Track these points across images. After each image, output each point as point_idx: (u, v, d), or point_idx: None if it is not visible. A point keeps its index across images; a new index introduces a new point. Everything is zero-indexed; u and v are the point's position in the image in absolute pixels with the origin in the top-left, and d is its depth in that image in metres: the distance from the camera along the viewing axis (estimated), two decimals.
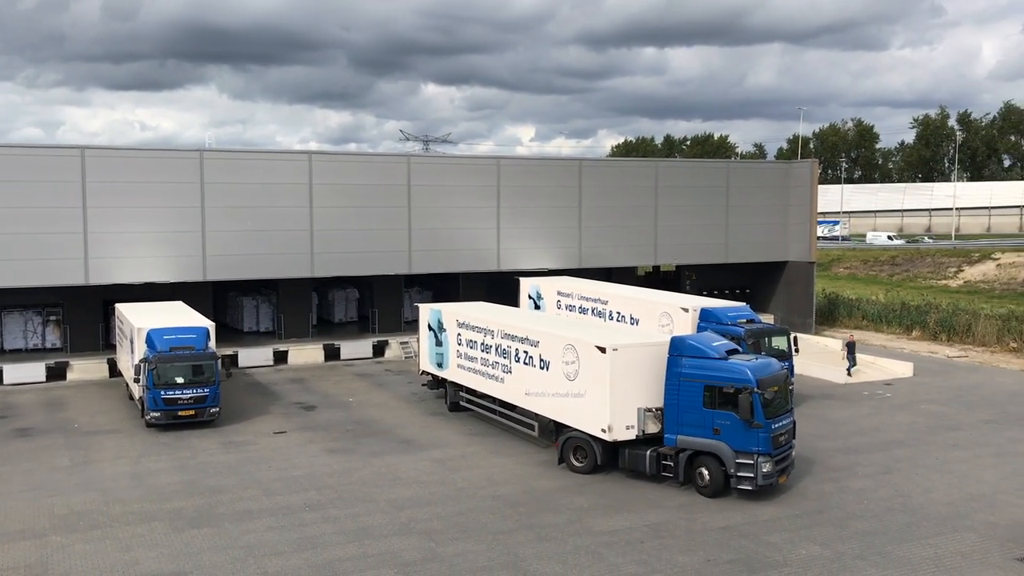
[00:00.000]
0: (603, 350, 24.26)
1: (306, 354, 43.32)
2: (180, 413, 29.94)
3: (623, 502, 22.84)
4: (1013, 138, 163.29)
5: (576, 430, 25.42)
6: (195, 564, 18.93)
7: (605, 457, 24.71)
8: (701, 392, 23.24)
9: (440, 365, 33.09)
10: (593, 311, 39.78)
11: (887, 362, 41.41)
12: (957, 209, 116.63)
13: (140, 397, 30.85)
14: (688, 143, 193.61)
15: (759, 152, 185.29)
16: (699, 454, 23.29)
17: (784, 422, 23.36)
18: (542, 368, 26.94)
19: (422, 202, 43.80)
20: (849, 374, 38.77)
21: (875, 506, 22.64)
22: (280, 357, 42.89)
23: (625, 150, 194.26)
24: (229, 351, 40.49)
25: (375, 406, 34.11)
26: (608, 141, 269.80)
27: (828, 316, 56.99)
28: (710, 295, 46.57)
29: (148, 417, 29.98)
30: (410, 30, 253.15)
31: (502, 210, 45.74)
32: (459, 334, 31.61)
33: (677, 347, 24.15)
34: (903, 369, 40.35)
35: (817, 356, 42.09)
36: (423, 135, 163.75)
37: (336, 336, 46.26)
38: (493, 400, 30.07)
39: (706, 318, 34.25)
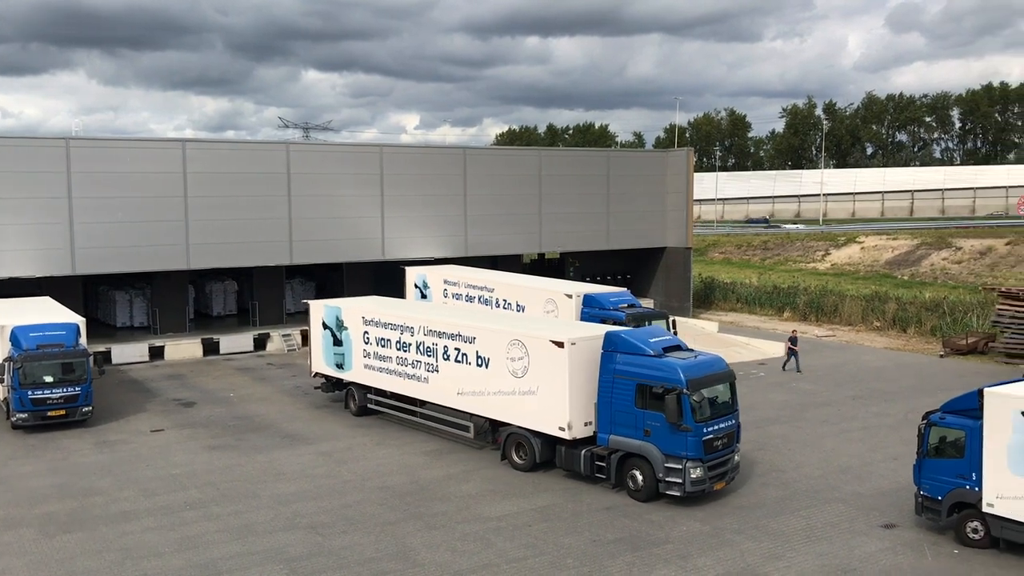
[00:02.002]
0: (560, 345, 22.88)
1: (183, 349, 41.98)
2: (50, 413, 28.65)
3: (511, 487, 23.06)
4: (874, 127, 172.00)
5: (516, 427, 24.47)
6: (68, 571, 18.17)
7: (545, 454, 23.96)
8: (634, 390, 21.97)
9: (340, 366, 30.95)
10: (480, 299, 39.94)
11: (760, 343, 43.04)
12: (824, 195, 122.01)
13: (5, 398, 29.38)
14: (571, 132, 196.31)
15: (638, 141, 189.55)
16: (631, 456, 22.16)
17: (722, 425, 21.82)
18: (480, 365, 25.37)
19: (303, 191, 42.96)
20: (799, 370, 37.63)
21: (751, 482, 23.51)
22: (156, 352, 41.39)
23: (509, 139, 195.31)
24: (102, 347, 38.87)
25: (257, 400, 33.38)
26: (492, 130, 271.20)
27: (705, 300, 58.87)
28: (593, 281, 47.38)
29: (14, 419, 28.58)
30: (290, 15, 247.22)
31: (386, 199, 45.29)
32: (366, 332, 29.68)
33: (612, 342, 22.81)
34: (776, 349, 41.97)
35: (694, 339, 43.26)
36: (303, 122, 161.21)
37: (215, 330, 44.98)
38: (413, 401, 28.45)
39: (589, 303, 35.00)
